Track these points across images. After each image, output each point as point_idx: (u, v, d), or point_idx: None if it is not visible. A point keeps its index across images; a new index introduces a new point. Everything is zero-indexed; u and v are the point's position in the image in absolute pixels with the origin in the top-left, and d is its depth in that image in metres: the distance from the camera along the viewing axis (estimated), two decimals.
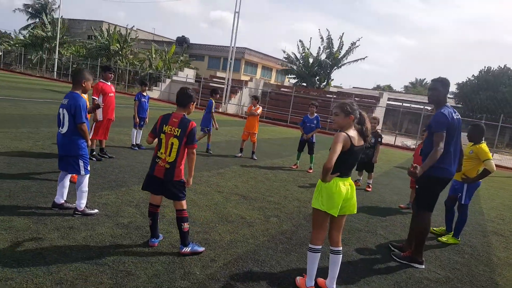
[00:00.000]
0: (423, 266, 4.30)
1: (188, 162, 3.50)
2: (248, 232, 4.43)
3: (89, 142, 4.22)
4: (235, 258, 3.68)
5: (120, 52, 37.79)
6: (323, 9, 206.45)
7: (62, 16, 45.49)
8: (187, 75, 32.32)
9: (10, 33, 47.61)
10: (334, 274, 3.31)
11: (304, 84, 34.66)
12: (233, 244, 4.02)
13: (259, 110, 9.45)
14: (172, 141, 3.42)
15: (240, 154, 9.48)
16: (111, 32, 37.99)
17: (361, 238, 4.90)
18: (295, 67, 34.33)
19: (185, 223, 3.50)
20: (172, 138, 3.42)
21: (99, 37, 38.15)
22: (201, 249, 3.64)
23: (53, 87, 25.54)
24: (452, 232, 5.40)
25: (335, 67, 33.17)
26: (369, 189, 7.97)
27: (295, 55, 34.28)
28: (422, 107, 31.80)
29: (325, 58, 33.02)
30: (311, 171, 8.97)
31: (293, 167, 9.09)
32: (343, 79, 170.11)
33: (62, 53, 39.37)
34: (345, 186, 3.18)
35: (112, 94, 6.74)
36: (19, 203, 4.17)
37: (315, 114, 8.95)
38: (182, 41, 45.92)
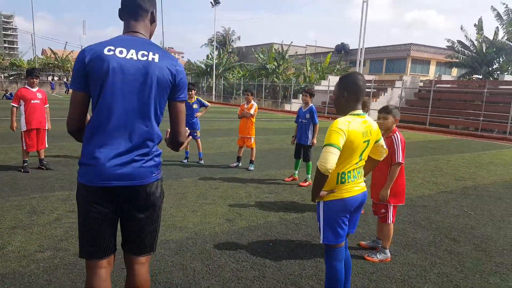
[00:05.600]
0: None
1: None
2: None
3: None
4: None
5: (276, 70, 39.41)
6: None
7: (232, 45, 51.68)
8: (329, 82, 30.35)
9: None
10: None
11: (478, 76, 27.12)
12: None
13: (253, 109, 7.32)
14: None
15: (235, 164, 7.63)
16: (277, 51, 39.99)
17: None
18: (463, 56, 27.36)
19: None
20: None
21: (258, 58, 40.93)
22: None
23: None
24: None
25: None
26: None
27: (462, 43, 27.36)
28: None
29: (507, 39, 24.94)
30: (305, 184, 6.35)
31: (287, 180, 6.64)
32: None
33: (229, 78, 44.10)
34: None
35: (36, 101, 6.29)
36: None
37: (310, 105, 6.34)
38: (340, 49, 44.34)
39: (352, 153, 2.49)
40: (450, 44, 28.09)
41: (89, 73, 1.87)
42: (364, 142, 2.52)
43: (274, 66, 39.19)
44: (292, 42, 41.37)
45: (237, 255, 3.66)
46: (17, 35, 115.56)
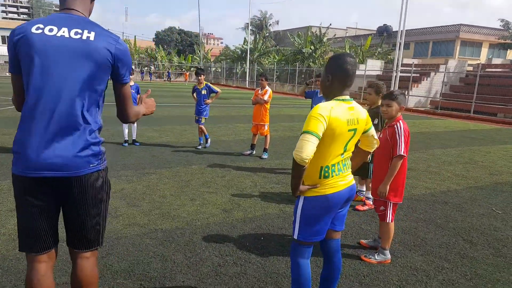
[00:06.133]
0: None
1: None
2: None
3: None
4: None
5: (313, 54, 38.32)
6: None
7: (269, 30, 50.52)
8: (365, 66, 28.95)
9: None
10: None
11: None
12: None
13: (267, 95, 6.97)
14: None
15: (248, 152, 7.39)
16: (314, 34, 38.95)
17: None
18: None
19: None
20: None
21: (295, 42, 39.98)
22: None
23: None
24: None
25: None
26: (362, 208, 4.62)
27: None
28: None
29: None
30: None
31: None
32: None
33: (263, 63, 43.48)
34: None
35: None
36: None
37: None
38: (382, 31, 42.22)
39: (335, 143, 2.21)
40: (504, 23, 25.68)
41: (18, 54, 1.76)
42: (349, 131, 2.23)
43: (310, 50, 38.11)
44: (330, 24, 39.95)
45: (223, 248, 3.48)
46: None
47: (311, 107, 6.01)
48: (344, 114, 2.19)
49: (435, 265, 3.32)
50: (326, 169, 2.24)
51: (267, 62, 43.49)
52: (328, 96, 2.32)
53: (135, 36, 55.19)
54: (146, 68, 50.53)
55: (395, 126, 3.22)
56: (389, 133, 3.23)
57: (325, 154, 2.21)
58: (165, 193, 4.94)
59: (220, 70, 50.09)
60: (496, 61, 26.27)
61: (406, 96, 3.69)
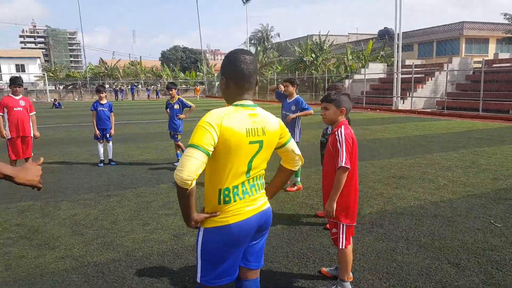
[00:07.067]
0: None
1: None
2: None
3: None
4: None
5: (315, 62, 37.96)
6: None
7: (271, 42, 50.47)
8: (365, 70, 28.21)
9: None
10: None
11: None
12: None
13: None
14: None
15: None
16: (313, 42, 38.77)
17: None
18: None
19: None
20: None
21: (295, 52, 39.75)
22: None
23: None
24: None
25: None
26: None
27: None
28: None
29: None
30: (293, 189, 5.42)
31: (290, 189, 5.41)
32: None
33: (265, 74, 43.32)
34: None
35: (19, 109, 6.09)
36: None
37: (295, 96, 5.44)
38: (384, 34, 41.55)
39: (233, 159, 1.73)
40: (509, 17, 24.78)
41: None
42: (251, 143, 1.75)
43: (311, 58, 37.82)
44: (329, 31, 39.78)
45: (155, 285, 2.94)
46: (80, 49, 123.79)
47: (282, 113, 5.48)
48: (242, 122, 1.73)
49: None
50: (226, 192, 1.77)
51: (269, 73, 43.39)
52: (228, 102, 1.87)
53: (140, 57, 56.48)
54: (152, 86, 51.23)
55: (336, 133, 2.70)
56: (331, 142, 2.72)
57: (222, 173, 1.75)
58: (119, 217, 4.45)
59: None
60: (504, 55, 25.23)
61: (350, 97, 3.07)
